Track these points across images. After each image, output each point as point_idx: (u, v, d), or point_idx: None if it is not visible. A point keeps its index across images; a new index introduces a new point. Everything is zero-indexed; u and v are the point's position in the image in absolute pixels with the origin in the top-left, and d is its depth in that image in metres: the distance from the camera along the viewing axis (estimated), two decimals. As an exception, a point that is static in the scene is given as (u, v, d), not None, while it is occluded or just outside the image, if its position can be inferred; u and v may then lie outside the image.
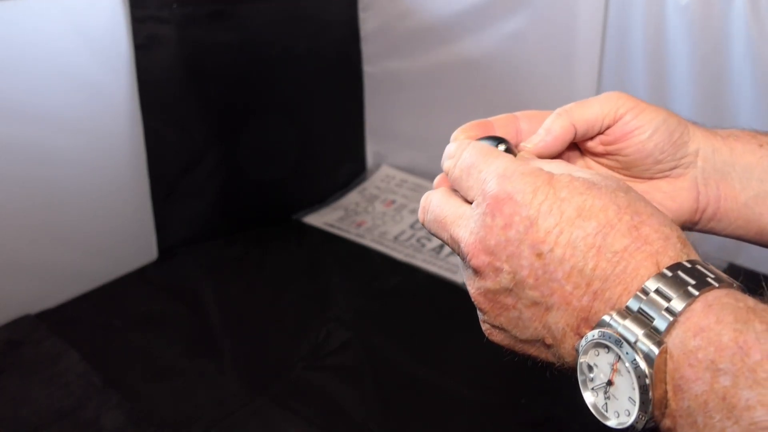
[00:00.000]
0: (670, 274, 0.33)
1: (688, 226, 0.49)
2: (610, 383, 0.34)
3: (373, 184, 1.41)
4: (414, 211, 1.31)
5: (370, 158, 1.45)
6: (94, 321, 1.04)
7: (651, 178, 0.48)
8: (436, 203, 0.43)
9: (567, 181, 0.36)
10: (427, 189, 1.37)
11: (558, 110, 0.45)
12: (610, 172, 0.48)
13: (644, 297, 0.33)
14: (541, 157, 0.44)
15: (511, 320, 0.38)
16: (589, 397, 0.35)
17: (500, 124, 0.47)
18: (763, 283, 0.35)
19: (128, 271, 1.14)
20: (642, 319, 0.33)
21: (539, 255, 0.35)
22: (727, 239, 1.15)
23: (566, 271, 0.35)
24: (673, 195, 0.48)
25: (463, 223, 0.39)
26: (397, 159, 1.43)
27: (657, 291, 0.33)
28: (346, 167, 1.42)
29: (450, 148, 0.43)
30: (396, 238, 1.24)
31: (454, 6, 1.20)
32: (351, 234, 1.26)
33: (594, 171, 0.40)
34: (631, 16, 1.04)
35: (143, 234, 1.15)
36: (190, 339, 1.02)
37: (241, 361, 0.97)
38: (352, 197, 1.38)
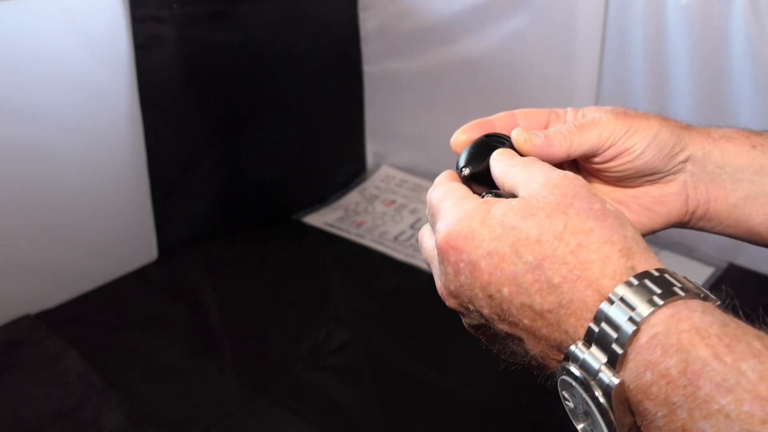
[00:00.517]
0: (610, 306, 0.33)
1: (678, 226, 0.49)
2: (586, 413, 0.35)
3: (373, 184, 1.41)
4: (414, 211, 1.31)
5: (370, 158, 1.45)
6: (94, 321, 1.04)
7: (641, 186, 0.48)
8: (422, 241, 0.44)
9: (501, 215, 0.37)
10: (427, 189, 1.38)
11: (564, 130, 0.44)
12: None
13: (596, 329, 0.33)
14: (529, 156, 0.45)
15: (502, 347, 0.39)
16: (577, 423, 0.36)
17: (500, 122, 0.47)
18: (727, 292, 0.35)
19: (128, 271, 1.14)
20: (601, 349, 0.33)
21: (490, 296, 0.37)
22: (727, 239, 1.15)
23: (518, 308, 0.36)
24: (662, 199, 0.48)
25: (434, 267, 0.41)
26: (397, 159, 1.43)
27: (607, 321, 0.33)
28: (346, 167, 1.42)
29: (429, 190, 0.44)
30: (396, 238, 1.24)
31: (454, 6, 1.20)
32: (351, 234, 1.26)
33: (553, 174, 0.39)
34: (631, 16, 1.04)
35: (143, 234, 1.15)
36: (190, 339, 1.02)
37: (241, 361, 0.97)
38: (352, 197, 1.38)
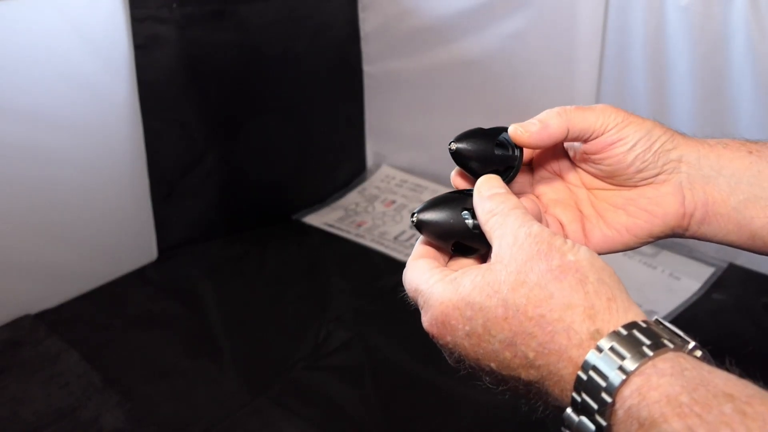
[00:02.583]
0: (585, 377, 0.34)
1: (679, 232, 0.49)
2: None
3: (373, 184, 1.41)
4: (414, 211, 1.31)
5: (370, 158, 1.45)
6: (93, 321, 1.04)
7: (635, 186, 0.48)
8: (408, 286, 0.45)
9: (467, 295, 0.38)
10: (427, 189, 1.38)
11: (558, 109, 0.46)
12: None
13: (579, 399, 0.34)
14: (530, 147, 0.46)
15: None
16: None
17: None
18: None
19: (128, 271, 1.14)
20: (588, 418, 0.34)
21: (483, 369, 0.39)
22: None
23: (510, 378, 0.38)
24: (658, 200, 0.48)
25: None
26: (397, 159, 1.43)
27: (586, 391, 0.34)
28: (346, 167, 1.42)
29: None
30: (396, 238, 1.24)
31: (454, 6, 1.20)
32: (351, 234, 1.26)
33: (520, 233, 0.39)
34: (631, 16, 1.04)
35: (143, 234, 1.15)
36: (190, 339, 1.01)
37: (241, 361, 0.97)
38: (352, 197, 1.38)
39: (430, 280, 0.41)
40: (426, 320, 0.41)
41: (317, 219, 1.32)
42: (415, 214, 0.44)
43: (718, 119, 1.01)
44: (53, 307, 1.05)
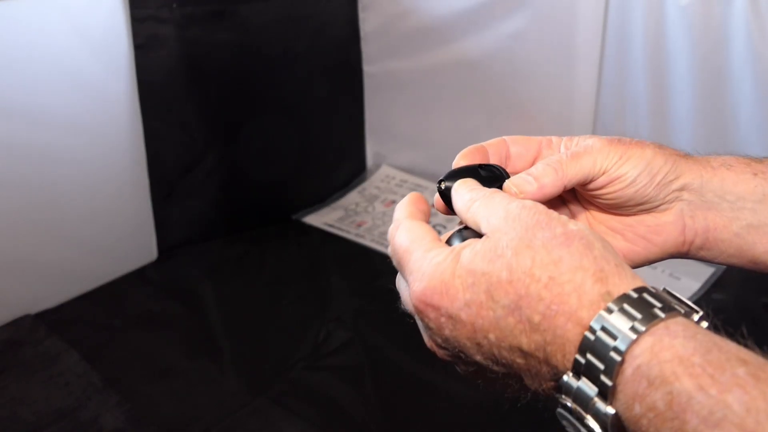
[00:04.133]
0: (592, 337, 0.33)
1: (678, 256, 0.48)
2: None
3: (373, 184, 1.41)
4: (414, 211, 1.31)
5: (370, 158, 1.45)
6: (94, 321, 1.04)
7: (636, 214, 0.47)
8: (401, 292, 0.43)
9: (468, 263, 0.36)
10: (427, 189, 1.38)
11: (554, 163, 0.44)
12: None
13: (583, 361, 0.33)
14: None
15: (502, 386, 0.40)
16: None
17: (492, 149, 0.47)
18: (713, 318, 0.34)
19: (128, 271, 1.14)
20: (591, 381, 0.33)
21: (479, 344, 0.37)
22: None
23: (508, 350, 0.36)
24: (657, 229, 0.47)
25: (417, 320, 0.41)
26: (397, 159, 1.43)
27: (592, 352, 0.33)
28: (346, 167, 1.42)
29: (390, 228, 0.43)
30: (396, 238, 1.24)
31: (454, 6, 1.20)
32: (351, 234, 1.26)
33: (512, 206, 0.38)
34: (631, 16, 1.04)
35: (143, 234, 1.15)
36: (190, 339, 1.01)
37: (241, 361, 0.97)
38: (352, 197, 1.38)
39: (429, 246, 0.39)
40: (418, 290, 0.38)
41: (317, 219, 1.32)
42: (441, 182, 0.43)
43: (718, 119, 1.01)
44: (53, 307, 1.05)
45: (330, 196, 1.38)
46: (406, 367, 0.95)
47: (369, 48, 1.34)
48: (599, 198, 0.46)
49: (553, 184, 0.43)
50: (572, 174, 0.44)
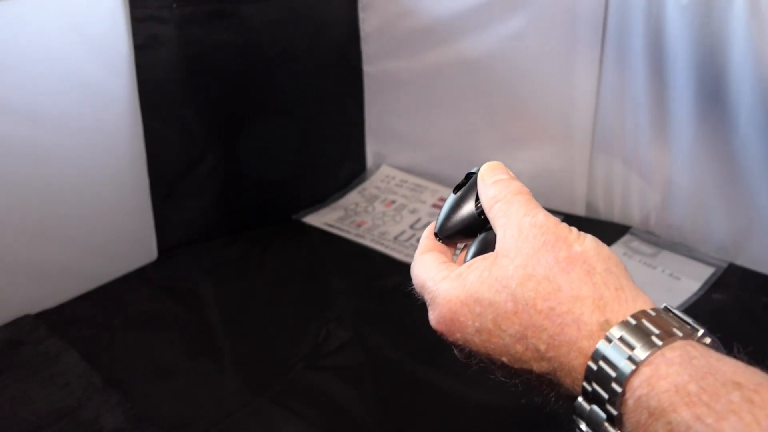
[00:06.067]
0: (595, 367, 0.34)
1: None
2: None
3: (373, 184, 1.41)
4: (414, 211, 1.31)
5: (370, 158, 1.45)
6: (94, 321, 1.04)
7: None
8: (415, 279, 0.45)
9: (476, 291, 0.38)
10: (427, 189, 1.38)
11: None
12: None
13: (589, 388, 0.34)
14: None
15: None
16: None
17: None
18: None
19: (128, 271, 1.14)
20: (599, 407, 0.34)
21: (495, 362, 0.39)
22: (727, 239, 1.15)
23: (521, 371, 0.38)
24: None
25: None
26: (397, 159, 1.43)
27: (597, 381, 0.34)
28: (346, 167, 1.42)
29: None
30: (396, 238, 1.24)
31: (454, 6, 1.20)
32: (351, 234, 1.26)
33: (524, 223, 0.39)
34: (631, 16, 1.04)
35: (143, 234, 1.15)
36: (190, 339, 1.01)
37: (241, 361, 0.97)
38: (352, 197, 1.38)
39: (437, 277, 0.41)
40: (434, 318, 0.41)
41: (317, 219, 1.32)
42: (438, 235, 0.46)
43: (719, 119, 1.01)
44: (53, 307, 1.05)
45: (330, 196, 1.38)
46: (406, 367, 0.95)
47: (369, 48, 1.34)
48: None
49: None
50: None
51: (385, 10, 1.29)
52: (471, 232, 0.45)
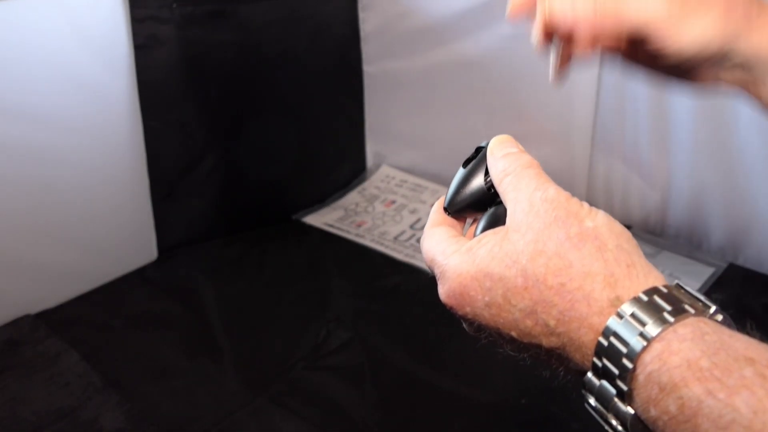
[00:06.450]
0: (606, 343, 0.33)
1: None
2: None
3: (373, 184, 1.41)
4: (414, 211, 1.31)
5: (370, 158, 1.45)
6: (94, 321, 1.04)
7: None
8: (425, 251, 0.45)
9: (486, 266, 0.38)
10: (427, 189, 1.38)
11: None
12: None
13: (600, 364, 0.34)
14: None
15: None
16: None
17: None
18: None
19: (128, 271, 1.14)
20: (609, 382, 0.34)
21: (504, 336, 0.38)
22: (727, 239, 1.15)
23: (530, 345, 0.37)
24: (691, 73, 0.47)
25: None
26: (397, 159, 1.43)
27: (607, 357, 0.33)
28: (346, 167, 1.42)
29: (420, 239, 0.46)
30: (396, 238, 1.24)
31: (454, 6, 1.20)
32: (351, 234, 1.26)
33: (536, 197, 0.38)
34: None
35: (143, 234, 1.15)
36: (190, 339, 1.01)
37: (241, 361, 0.97)
38: (352, 197, 1.38)
39: (447, 251, 0.41)
40: (443, 292, 0.40)
41: (317, 219, 1.32)
42: (447, 209, 0.45)
43: (718, 119, 1.01)
44: (53, 307, 1.05)
45: (330, 196, 1.38)
46: (406, 367, 0.95)
47: (369, 48, 1.34)
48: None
49: (585, 22, 0.43)
50: (612, 22, 0.43)
51: (385, 10, 1.29)
52: (481, 206, 0.44)
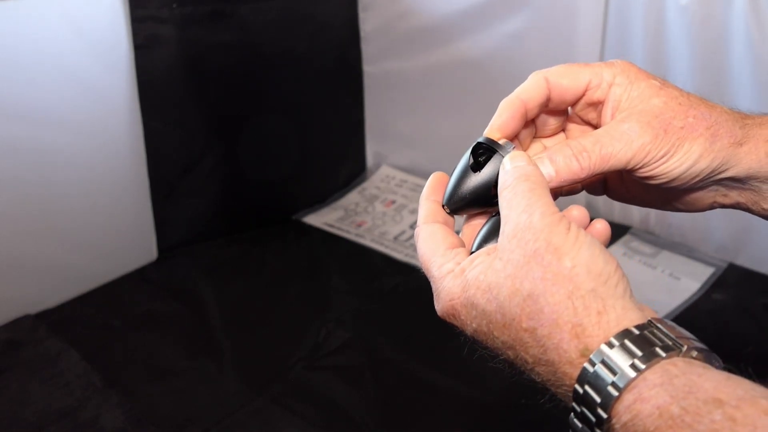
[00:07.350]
0: (581, 390, 0.34)
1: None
2: None
3: (373, 184, 1.41)
4: (414, 211, 1.31)
5: (370, 158, 1.45)
6: (94, 321, 1.04)
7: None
8: (420, 251, 0.45)
9: (471, 296, 0.38)
10: (427, 189, 1.38)
11: (577, 150, 0.42)
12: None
13: (578, 409, 0.35)
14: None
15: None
16: None
17: (530, 99, 0.45)
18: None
19: (128, 271, 1.14)
20: (589, 430, 0.35)
21: (495, 356, 0.39)
22: (727, 239, 1.15)
23: (523, 363, 0.38)
24: (686, 201, 0.48)
25: None
26: (397, 159, 1.43)
27: (584, 404, 0.34)
28: (346, 167, 1.42)
29: (415, 231, 0.46)
30: (396, 238, 1.24)
31: (454, 6, 1.20)
32: (351, 234, 1.26)
33: (521, 220, 0.38)
34: (631, 16, 1.04)
35: (143, 234, 1.15)
36: (190, 339, 1.01)
37: (241, 361, 0.97)
38: (352, 197, 1.38)
39: (442, 269, 0.41)
40: (438, 309, 0.42)
41: (317, 219, 1.32)
42: (445, 207, 0.45)
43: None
44: (53, 307, 1.05)
45: (330, 196, 1.38)
46: (406, 367, 0.95)
47: (369, 48, 1.34)
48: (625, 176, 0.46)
49: (570, 177, 0.42)
50: (598, 168, 0.42)
51: (385, 10, 1.29)
52: (480, 205, 0.45)
